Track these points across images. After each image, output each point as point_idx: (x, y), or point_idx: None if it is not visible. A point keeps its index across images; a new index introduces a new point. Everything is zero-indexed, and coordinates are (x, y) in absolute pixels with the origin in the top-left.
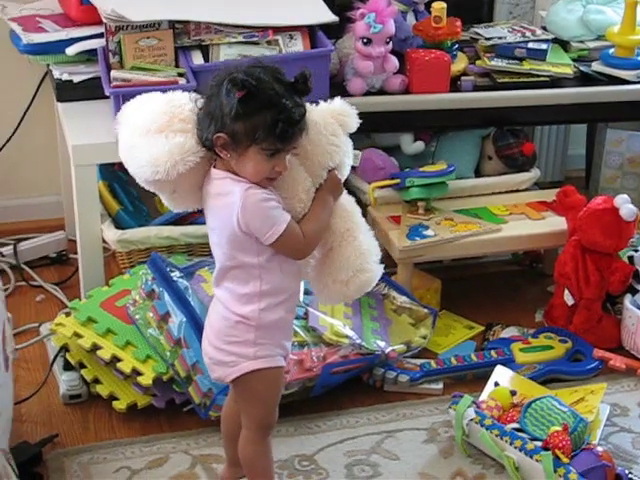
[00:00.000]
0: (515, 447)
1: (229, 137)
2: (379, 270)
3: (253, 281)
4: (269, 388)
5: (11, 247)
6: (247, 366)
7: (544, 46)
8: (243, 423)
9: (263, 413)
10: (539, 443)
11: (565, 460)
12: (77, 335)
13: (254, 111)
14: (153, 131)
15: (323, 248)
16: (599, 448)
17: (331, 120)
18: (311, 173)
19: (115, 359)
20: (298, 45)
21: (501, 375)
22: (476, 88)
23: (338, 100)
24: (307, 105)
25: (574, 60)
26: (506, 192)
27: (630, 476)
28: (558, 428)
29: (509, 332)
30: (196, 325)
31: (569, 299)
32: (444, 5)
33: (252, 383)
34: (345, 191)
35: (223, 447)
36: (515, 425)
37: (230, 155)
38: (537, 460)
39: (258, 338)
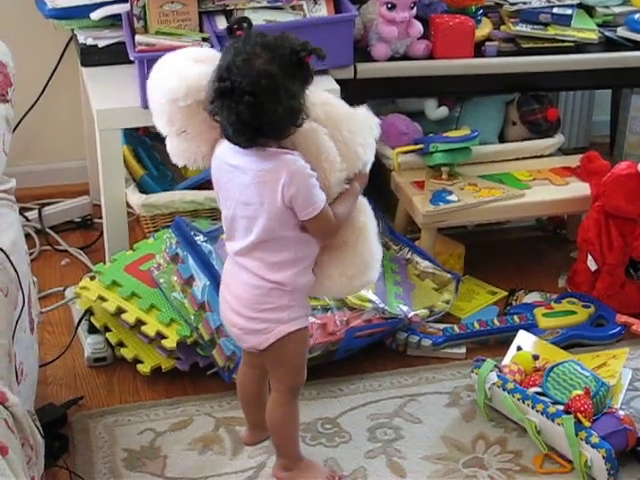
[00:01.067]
0: (537, 411)
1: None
2: (378, 272)
3: (287, 250)
4: (300, 348)
5: (36, 212)
6: (282, 330)
7: (569, 11)
8: (273, 387)
9: (294, 373)
10: (561, 407)
11: (587, 424)
12: (102, 299)
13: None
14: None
15: (338, 240)
16: (621, 412)
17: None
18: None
19: (139, 322)
20: (322, 10)
21: (524, 340)
22: (500, 53)
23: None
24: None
25: (599, 25)
26: (530, 158)
27: None
28: (580, 392)
29: (532, 297)
30: (220, 289)
31: (592, 264)
32: None
33: (285, 346)
34: None
35: (243, 411)
36: (537, 389)
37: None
38: (559, 424)
39: (291, 301)
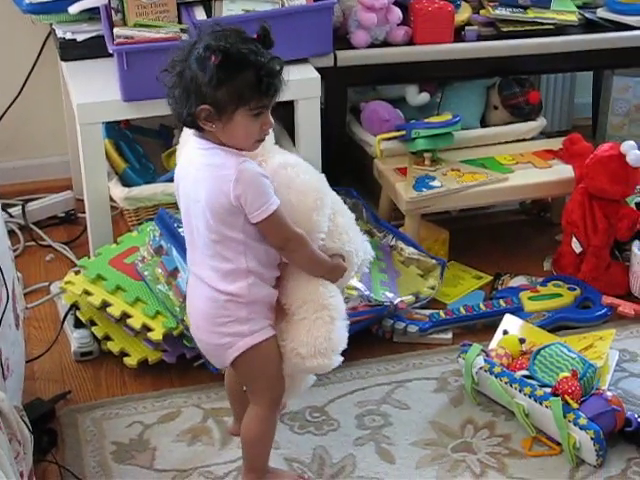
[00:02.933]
0: (525, 394)
1: (212, 107)
2: (337, 362)
3: (238, 257)
4: (268, 360)
5: (19, 208)
6: (244, 344)
7: None
8: (251, 400)
9: (269, 386)
10: (548, 389)
11: (574, 405)
12: (87, 293)
13: (234, 73)
14: None
15: (297, 313)
16: (608, 393)
17: None
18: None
19: (125, 316)
20: None
21: (510, 323)
22: (480, 38)
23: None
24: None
25: (579, 7)
26: (512, 141)
27: (639, 420)
28: (567, 374)
29: (518, 281)
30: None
31: (577, 247)
32: None
33: (252, 360)
34: None
35: (229, 403)
36: (524, 372)
37: (215, 125)
38: (547, 406)
39: (250, 313)
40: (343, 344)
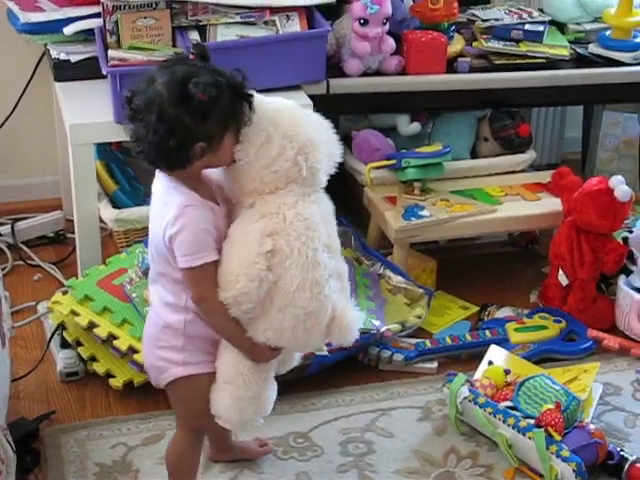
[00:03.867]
0: (508, 425)
1: (205, 142)
2: (238, 425)
3: (179, 293)
4: (197, 394)
5: (9, 226)
6: (176, 372)
7: (541, 28)
8: (176, 424)
9: (192, 416)
10: (532, 421)
11: (557, 437)
12: (74, 313)
13: (217, 102)
14: None
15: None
16: (591, 426)
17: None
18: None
19: (112, 337)
20: (295, 26)
21: (495, 354)
22: (472, 69)
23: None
24: None
25: (571, 42)
26: (502, 173)
27: (622, 453)
28: (551, 406)
29: (504, 312)
30: None
31: (564, 279)
32: None
33: (180, 388)
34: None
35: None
36: (508, 403)
37: (206, 158)
38: (530, 438)
39: (186, 344)
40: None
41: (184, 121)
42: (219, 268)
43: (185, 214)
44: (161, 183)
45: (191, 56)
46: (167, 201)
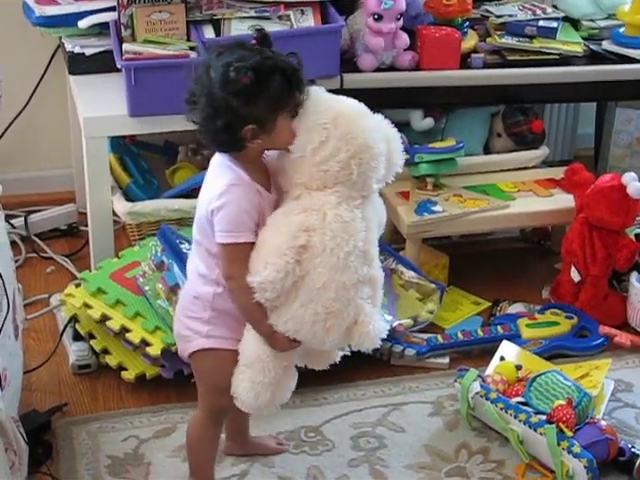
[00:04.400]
0: (519, 420)
1: (256, 124)
2: (255, 408)
3: (212, 266)
4: (217, 369)
5: (22, 219)
6: (198, 343)
7: (554, 24)
8: (198, 403)
9: (212, 395)
10: (543, 417)
11: (569, 433)
12: (87, 306)
13: (265, 84)
14: None
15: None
16: (603, 422)
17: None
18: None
19: (124, 330)
20: (309, 20)
21: (507, 350)
22: (486, 65)
23: None
24: None
25: (584, 39)
26: (514, 169)
27: (633, 450)
28: (562, 402)
29: (516, 308)
30: None
31: (576, 276)
32: None
33: (203, 361)
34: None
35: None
36: (520, 399)
37: (262, 140)
38: (541, 433)
39: (212, 318)
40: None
41: (231, 104)
42: (252, 252)
43: (230, 191)
44: (218, 158)
45: (253, 41)
46: (218, 174)
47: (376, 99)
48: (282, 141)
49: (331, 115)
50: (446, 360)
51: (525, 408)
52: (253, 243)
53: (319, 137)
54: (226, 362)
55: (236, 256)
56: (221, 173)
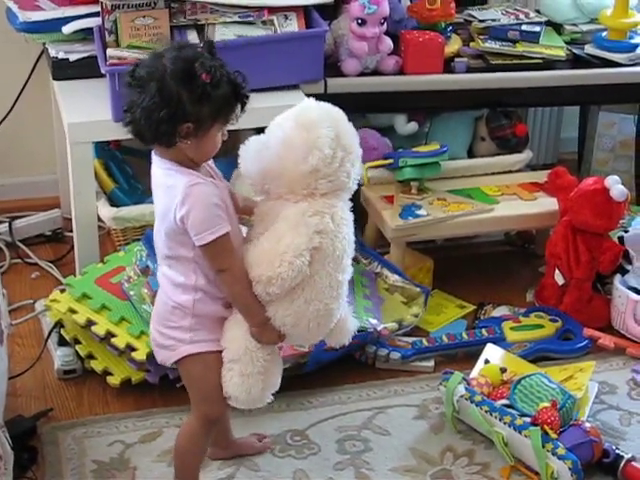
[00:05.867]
0: (504, 423)
1: (194, 124)
2: (246, 402)
3: (189, 274)
4: (208, 373)
5: (7, 225)
6: (184, 350)
7: (537, 28)
8: (191, 410)
9: (203, 399)
10: (528, 419)
11: (553, 436)
12: (72, 311)
13: (218, 89)
14: None
15: None
16: (587, 424)
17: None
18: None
19: (109, 335)
20: (293, 25)
21: (492, 353)
22: (469, 69)
23: None
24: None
25: (567, 43)
26: (498, 173)
27: (617, 451)
28: (547, 404)
29: (500, 311)
30: None
31: (560, 279)
32: None
33: (190, 367)
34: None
35: None
36: (505, 401)
37: (190, 142)
38: (526, 436)
39: (194, 325)
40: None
41: (182, 97)
42: (262, 245)
43: (192, 193)
44: (159, 168)
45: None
46: (170, 184)
47: (360, 103)
48: (207, 150)
49: (331, 124)
50: (431, 363)
51: (510, 411)
52: (230, 232)
53: (327, 150)
54: (214, 363)
55: (222, 248)
56: (171, 179)
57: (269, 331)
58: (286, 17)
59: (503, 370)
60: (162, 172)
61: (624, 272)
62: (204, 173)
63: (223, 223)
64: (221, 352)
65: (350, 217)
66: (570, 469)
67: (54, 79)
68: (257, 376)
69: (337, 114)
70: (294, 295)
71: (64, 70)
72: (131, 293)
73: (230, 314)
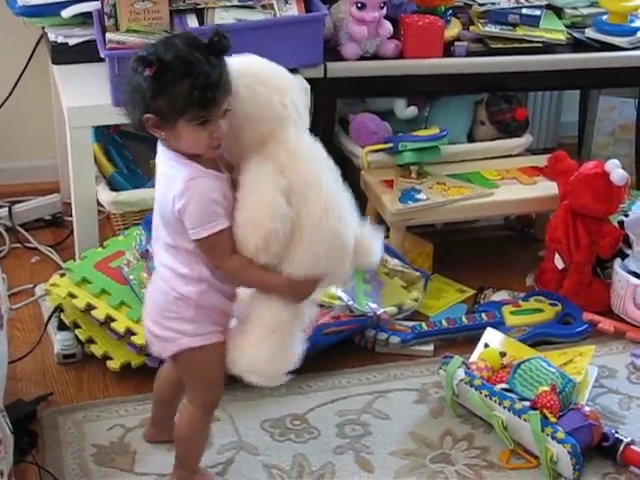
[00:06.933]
0: (504, 407)
1: (156, 115)
2: (272, 378)
3: (192, 264)
4: (210, 364)
5: (6, 209)
6: (185, 342)
7: (537, 12)
8: (187, 397)
9: (204, 389)
10: (527, 403)
11: (553, 419)
12: (71, 295)
13: (170, 84)
14: None
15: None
16: (586, 408)
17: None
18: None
19: (109, 319)
20: (292, 9)
21: (491, 337)
22: (469, 53)
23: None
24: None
25: (567, 26)
26: (498, 157)
27: (616, 435)
28: (546, 388)
29: (500, 295)
30: None
31: (560, 263)
32: None
33: (192, 360)
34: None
35: (152, 407)
36: (504, 385)
37: (165, 133)
38: (525, 420)
39: (197, 316)
40: (283, 364)
41: (141, 87)
42: (240, 217)
43: (191, 187)
44: (163, 156)
45: (206, 40)
46: (171, 174)
47: (360, 88)
48: (185, 144)
49: (244, 72)
50: (431, 347)
51: (509, 395)
52: (228, 228)
53: (245, 94)
54: (215, 355)
55: (217, 245)
56: (172, 170)
57: (300, 285)
58: (286, 1)
59: (503, 354)
60: (165, 162)
61: (624, 256)
62: (209, 162)
63: (219, 220)
64: (222, 343)
65: (309, 140)
66: (569, 453)
67: (53, 63)
68: (284, 351)
69: (245, 59)
70: (296, 240)
71: (63, 54)
72: (131, 277)
73: (234, 302)
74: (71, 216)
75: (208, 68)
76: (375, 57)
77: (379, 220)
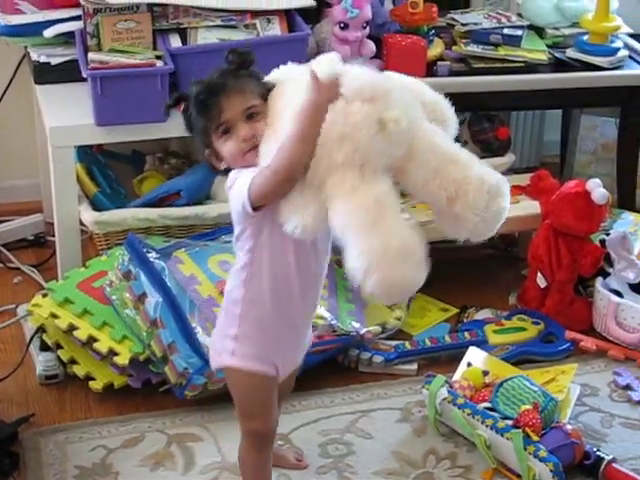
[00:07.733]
0: (486, 426)
1: (206, 147)
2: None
3: (240, 261)
4: (243, 391)
5: None
6: (224, 360)
7: (519, 32)
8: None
9: (245, 416)
10: (510, 422)
11: (535, 438)
12: (54, 316)
13: (189, 117)
14: None
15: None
16: (568, 426)
17: None
18: None
19: (92, 339)
20: (275, 29)
21: (474, 356)
22: (452, 73)
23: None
24: None
25: (549, 46)
26: None
27: (598, 453)
28: (528, 407)
29: (483, 314)
30: (172, 305)
31: (542, 281)
32: None
33: (229, 379)
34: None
35: None
36: (487, 404)
37: (222, 163)
38: (508, 438)
39: (241, 334)
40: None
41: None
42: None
43: (236, 173)
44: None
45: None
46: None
47: None
48: (228, 161)
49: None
50: (414, 366)
51: (492, 413)
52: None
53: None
54: (252, 385)
55: (256, 176)
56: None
57: (322, 92)
58: (269, 21)
59: (485, 373)
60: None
61: (605, 275)
62: None
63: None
64: (265, 375)
65: None
66: (551, 471)
67: (36, 83)
68: (415, 257)
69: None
70: None
71: (46, 74)
72: (113, 297)
73: (285, 327)
74: (54, 236)
75: (205, 81)
76: None
77: None
